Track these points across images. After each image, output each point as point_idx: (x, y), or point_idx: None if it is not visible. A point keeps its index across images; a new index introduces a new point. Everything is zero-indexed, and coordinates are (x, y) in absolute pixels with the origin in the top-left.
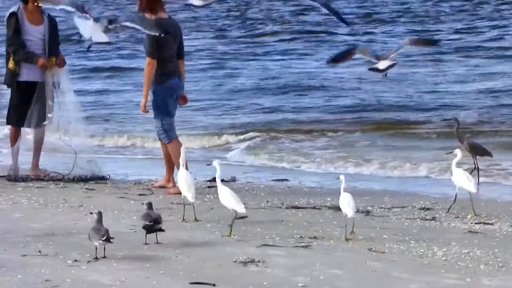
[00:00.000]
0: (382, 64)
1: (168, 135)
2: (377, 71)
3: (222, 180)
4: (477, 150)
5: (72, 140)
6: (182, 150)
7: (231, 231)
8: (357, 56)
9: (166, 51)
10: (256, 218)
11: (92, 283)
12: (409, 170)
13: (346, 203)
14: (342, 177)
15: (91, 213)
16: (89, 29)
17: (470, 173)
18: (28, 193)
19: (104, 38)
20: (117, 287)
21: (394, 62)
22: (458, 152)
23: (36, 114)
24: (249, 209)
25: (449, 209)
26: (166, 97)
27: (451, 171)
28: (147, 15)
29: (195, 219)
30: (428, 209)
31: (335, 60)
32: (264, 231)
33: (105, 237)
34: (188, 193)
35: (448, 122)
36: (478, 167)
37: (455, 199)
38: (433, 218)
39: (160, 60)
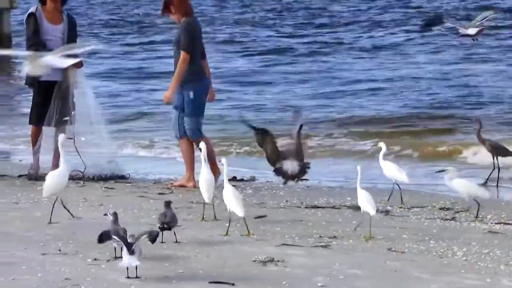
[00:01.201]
0: (472, 30)
1: (200, 133)
2: (468, 36)
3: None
4: (499, 151)
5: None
6: (203, 146)
7: (248, 230)
8: (448, 24)
9: (198, 48)
10: (275, 217)
11: (112, 282)
12: (428, 169)
13: (366, 201)
14: (358, 168)
15: (106, 214)
16: None
17: (490, 174)
18: None
19: None
20: (136, 286)
21: (482, 28)
22: (382, 145)
23: (56, 113)
24: (269, 208)
25: (388, 198)
26: (203, 96)
27: (380, 166)
28: (176, 18)
29: (215, 217)
30: (448, 209)
31: (428, 24)
32: (284, 231)
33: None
34: (205, 193)
35: (469, 121)
36: (499, 168)
37: (392, 192)
38: (453, 218)
39: (193, 57)
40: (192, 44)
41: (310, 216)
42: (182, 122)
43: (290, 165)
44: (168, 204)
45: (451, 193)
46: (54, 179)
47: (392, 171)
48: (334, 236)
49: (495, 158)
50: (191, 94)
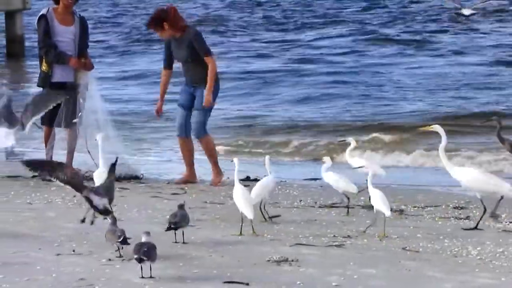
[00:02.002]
0: (466, 11)
1: (206, 129)
2: (462, 16)
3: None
4: None
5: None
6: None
7: (254, 230)
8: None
9: None
10: (289, 217)
11: (126, 282)
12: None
13: (381, 202)
14: (368, 167)
15: (105, 218)
16: None
17: None
18: (62, 192)
19: None
20: (150, 286)
21: (476, 12)
22: (351, 140)
23: (67, 114)
24: (282, 208)
25: (357, 192)
26: (214, 96)
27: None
28: (168, 35)
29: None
30: (462, 208)
31: None
32: (298, 230)
33: (121, 239)
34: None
35: (489, 121)
36: None
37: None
38: (467, 217)
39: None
40: None
41: (324, 216)
42: (188, 123)
43: (99, 201)
44: (181, 206)
45: (465, 192)
46: (98, 180)
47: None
48: (348, 236)
49: None
50: (206, 91)
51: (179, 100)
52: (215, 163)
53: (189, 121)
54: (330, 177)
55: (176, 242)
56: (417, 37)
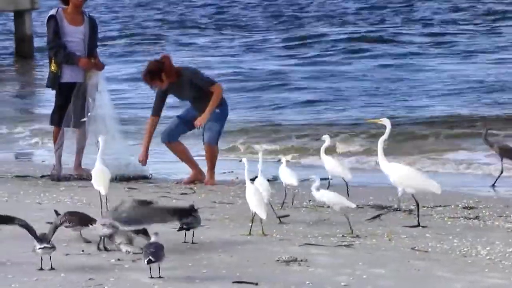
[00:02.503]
0: None
1: (217, 140)
2: None
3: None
4: (508, 154)
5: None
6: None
7: (263, 231)
8: None
9: None
10: (298, 217)
11: (135, 282)
12: (452, 169)
13: (340, 200)
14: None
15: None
16: None
17: (497, 178)
18: (71, 192)
19: None
20: (159, 286)
21: None
22: (326, 138)
23: (76, 114)
24: (291, 208)
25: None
26: (225, 115)
27: (321, 158)
28: (167, 82)
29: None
30: (471, 207)
31: None
32: (307, 230)
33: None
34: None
35: (476, 125)
36: (502, 171)
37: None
38: (477, 217)
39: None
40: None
41: (333, 216)
42: (179, 131)
43: None
44: (192, 207)
45: (475, 192)
46: (94, 177)
47: (335, 166)
48: (357, 236)
49: (502, 161)
50: (217, 110)
51: (181, 113)
52: (211, 168)
53: (178, 130)
54: (280, 171)
55: (185, 242)
56: (436, 37)
